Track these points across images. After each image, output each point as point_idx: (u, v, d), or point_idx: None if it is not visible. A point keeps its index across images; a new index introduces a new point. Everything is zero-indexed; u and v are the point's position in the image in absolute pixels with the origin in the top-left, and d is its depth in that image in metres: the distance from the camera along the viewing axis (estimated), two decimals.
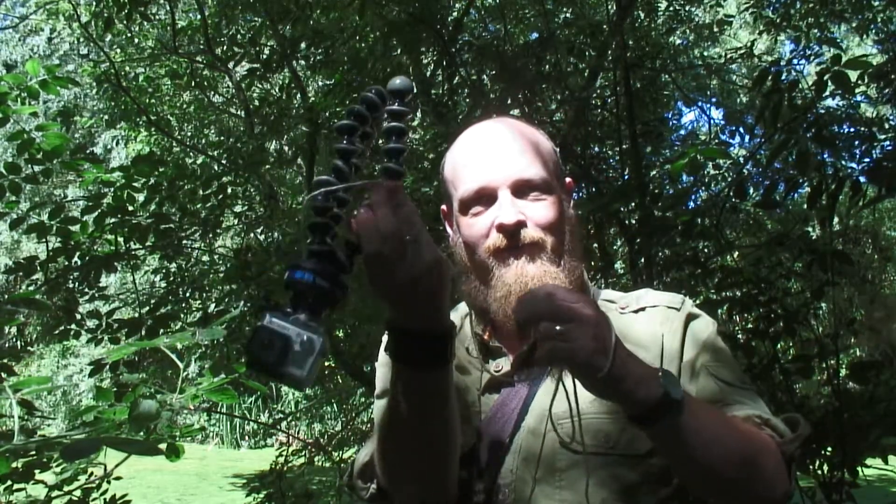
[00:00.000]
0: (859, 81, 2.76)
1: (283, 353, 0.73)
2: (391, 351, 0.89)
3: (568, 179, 1.20)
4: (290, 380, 0.74)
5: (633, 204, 3.63)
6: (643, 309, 1.15)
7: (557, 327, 0.83)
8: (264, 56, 5.32)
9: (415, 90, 0.88)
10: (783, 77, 2.87)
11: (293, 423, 11.30)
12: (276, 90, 6.02)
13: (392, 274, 0.81)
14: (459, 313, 1.23)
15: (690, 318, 1.14)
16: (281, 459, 5.21)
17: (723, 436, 0.93)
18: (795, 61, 5.46)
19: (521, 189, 1.10)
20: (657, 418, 0.88)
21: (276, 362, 0.73)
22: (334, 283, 0.78)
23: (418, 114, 5.49)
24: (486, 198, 1.10)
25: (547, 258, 1.09)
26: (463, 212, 1.13)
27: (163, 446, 1.60)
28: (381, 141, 0.89)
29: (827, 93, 2.78)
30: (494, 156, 1.11)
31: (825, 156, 2.90)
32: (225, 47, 5.87)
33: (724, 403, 1.05)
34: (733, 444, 0.94)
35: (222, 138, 6.89)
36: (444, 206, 1.22)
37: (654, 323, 1.12)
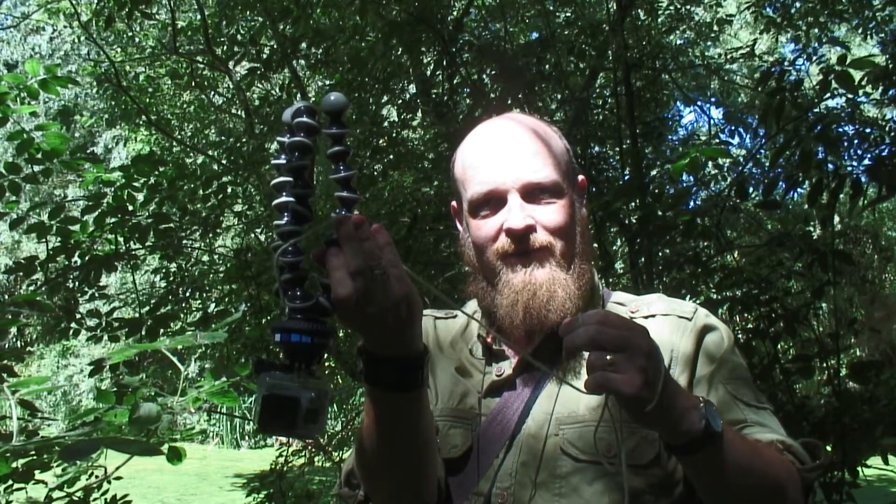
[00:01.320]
0: (863, 83, 2.75)
1: (295, 415, 0.74)
2: (363, 374, 0.89)
3: (580, 177, 1.18)
4: (308, 435, 0.76)
5: (633, 204, 3.63)
6: (653, 316, 1.13)
7: (609, 357, 0.82)
8: (264, 56, 5.32)
9: (349, 105, 0.83)
10: (786, 77, 2.87)
11: None
12: (276, 90, 6.02)
13: (362, 309, 0.80)
14: (468, 311, 1.22)
15: (706, 330, 1.12)
16: (281, 459, 5.21)
17: (754, 466, 0.92)
18: (798, 61, 5.47)
19: (532, 192, 1.08)
20: (697, 450, 0.87)
21: (292, 425, 0.74)
22: (326, 335, 0.79)
23: (418, 114, 5.49)
24: (495, 200, 1.09)
25: (556, 263, 1.08)
26: (472, 213, 1.12)
27: (164, 449, 1.59)
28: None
29: (830, 93, 2.78)
30: (505, 157, 1.09)
31: (826, 155, 2.90)
32: (225, 47, 5.87)
33: (744, 425, 1.04)
34: (763, 474, 0.93)
35: (222, 138, 6.89)
36: (454, 203, 1.21)
37: (664, 332, 1.10)
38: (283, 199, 0.80)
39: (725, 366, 1.09)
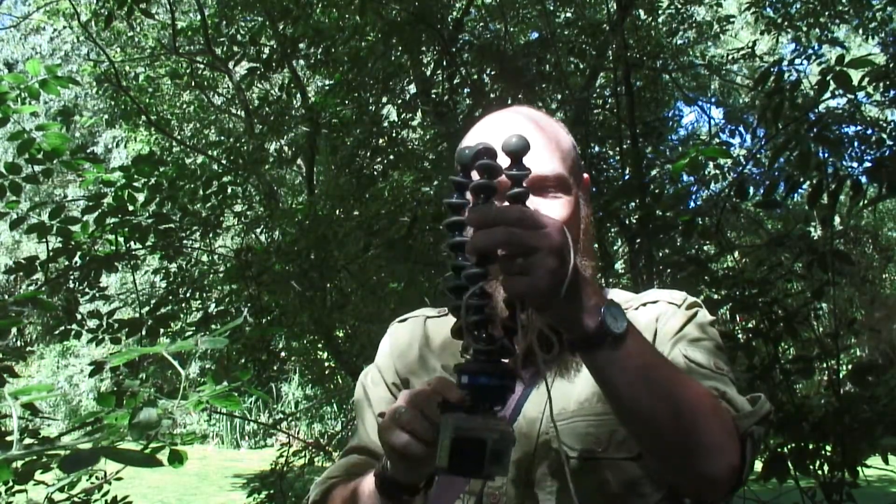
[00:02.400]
0: (863, 83, 2.75)
1: (482, 456, 0.76)
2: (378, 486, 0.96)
3: (585, 175, 1.18)
4: (492, 477, 0.78)
5: (633, 204, 3.63)
6: (644, 305, 1.15)
7: (519, 261, 0.81)
8: (264, 56, 5.32)
9: (530, 148, 0.84)
10: (785, 77, 2.87)
11: (293, 423, 11.29)
12: (276, 90, 6.02)
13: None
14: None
15: (692, 309, 1.13)
16: (281, 460, 5.21)
17: (664, 383, 0.89)
18: (797, 61, 5.46)
19: (538, 185, 1.06)
20: (590, 348, 0.87)
21: (479, 466, 0.76)
22: (512, 378, 0.81)
23: (418, 114, 5.49)
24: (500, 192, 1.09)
25: None
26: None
27: (166, 451, 1.60)
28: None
29: (829, 93, 2.78)
30: None
31: (825, 155, 2.90)
32: (225, 47, 5.87)
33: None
34: (675, 395, 0.90)
35: (222, 138, 6.89)
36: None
37: (651, 316, 1.12)
38: (463, 239, 0.82)
39: (691, 335, 1.09)
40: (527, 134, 1.09)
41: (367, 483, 1.00)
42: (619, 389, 0.89)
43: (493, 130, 1.13)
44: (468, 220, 0.82)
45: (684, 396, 0.90)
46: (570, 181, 1.10)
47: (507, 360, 0.82)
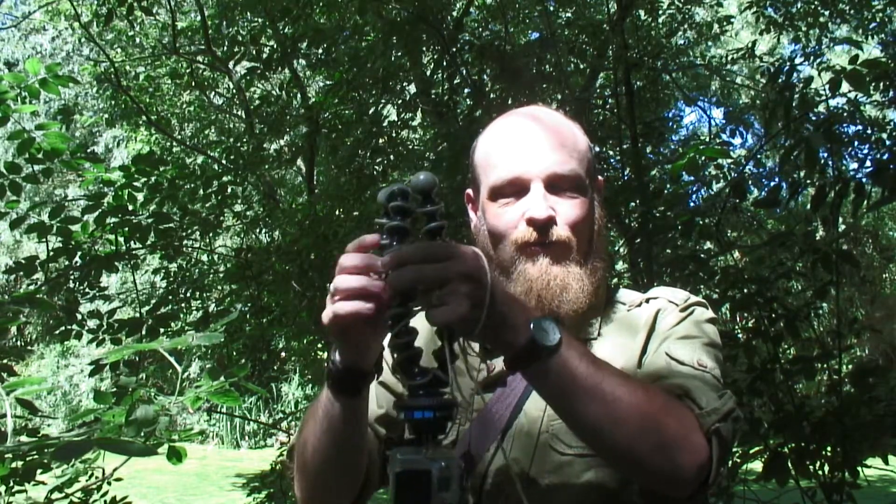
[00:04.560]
0: (869, 85, 2.75)
1: (428, 486, 0.79)
2: (336, 382, 0.96)
3: (600, 178, 1.18)
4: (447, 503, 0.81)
5: (633, 204, 3.63)
6: (647, 301, 1.16)
7: (436, 293, 0.82)
8: (264, 56, 5.32)
9: (437, 184, 0.87)
10: (796, 76, 2.86)
11: (293, 422, 11.29)
12: (276, 90, 6.02)
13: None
14: None
15: (690, 307, 1.13)
16: (281, 459, 5.21)
17: (612, 391, 0.90)
18: (802, 61, 5.46)
19: (555, 184, 1.07)
20: (523, 363, 0.88)
21: (427, 496, 0.79)
22: (449, 407, 0.84)
23: (418, 114, 5.49)
24: (517, 188, 1.08)
25: (572, 259, 1.08)
26: (492, 199, 1.11)
27: (165, 448, 1.59)
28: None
29: (829, 92, 2.78)
30: (531, 146, 1.09)
31: (826, 156, 2.90)
32: (225, 47, 5.88)
33: (664, 379, 1.02)
34: (617, 400, 0.90)
35: (222, 138, 6.89)
36: (468, 191, 1.21)
37: (651, 312, 1.13)
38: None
39: (680, 332, 1.10)
40: (548, 132, 1.10)
41: (323, 393, 1.01)
42: (559, 400, 0.91)
43: (514, 126, 1.14)
44: (382, 263, 0.84)
45: (628, 400, 0.91)
46: (585, 182, 1.11)
47: (444, 390, 0.84)
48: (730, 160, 4.52)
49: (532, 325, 0.87)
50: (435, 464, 0.79)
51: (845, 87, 2.70)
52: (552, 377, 0.88)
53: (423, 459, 0.80)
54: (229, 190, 4.75)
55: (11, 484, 2.35)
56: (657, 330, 1.11)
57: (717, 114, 11.00)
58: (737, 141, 7.08)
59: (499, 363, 1.12)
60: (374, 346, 0.92)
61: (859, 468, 2.77)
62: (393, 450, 0.82)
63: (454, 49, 4.89)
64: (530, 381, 0.92)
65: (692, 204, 3.75)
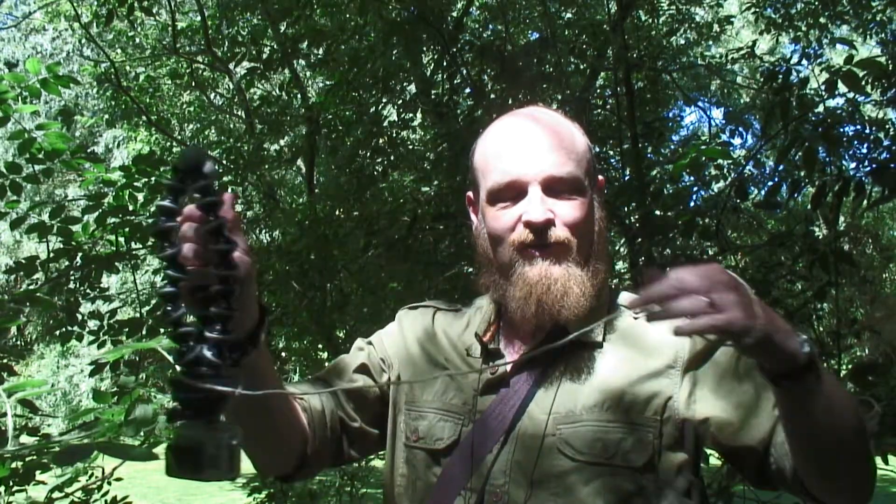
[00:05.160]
0: (866, 85, 2.75)
1: (200, 460, 0.79)
2: None
3: (600, 177, 1.18)
4: (216, 478, 0.80)
5: (633, 204, 3.63)
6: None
7: (706, 299, 0.82)
8: (264, 56, 5.32)
9: (205, 159, 0.81)
10: (794, 76, 2.86)
11: None
12: (276, 90, 6.02)
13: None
14: (473, 309, 1.22)
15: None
16: None
17: (844, 401, 0.91)
18: (801, 61, 5.46)
19: (553, 186, 1.07)
20: (802, 375, 0.86)
21: (198, 470, 0.79)
22: (209, 389, 0.80)
23: (418, 114, 5.49)
24: (515, 191, 1.08)
25: (572, 260, 1.07)
26: (490, 202, 1.11)
27: (162, 448, 1.59)
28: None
29: (836, 93, 2.77)
30: (528, 149, 1.08)
31: (825, 156, 2.90)
32: (225, 48, 5.88)
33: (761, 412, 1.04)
34: (853, 410, 0.92)
35: (222, 138, 6.89)
36: (469, 194, 1.21)
37: (670, 337, 1.10)
38: (174, 251, 0.81)
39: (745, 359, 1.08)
40: (546, 134, 1.10)
41: None
42: (821, 415, 0.90)
43: (512, 128, 1.13)
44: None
45: (852, 407, 0.93)
46: (584, 183, 1.10)
47: (209, 369, 0.80)
48: (730, 161, 4.52)
49: (804, 338, 0.87)
50: (208, 440, 0.79)
51: (845, 87, 2.70)
52: (819, 387, 0.88)
53: (197, 436, 0.79)
54: (229, 190, 4.75)
55: (11, 484, 2.36)
56: (685, 358, 1.08)
57: (717, 114, 11.00)
58: (737, 141, 7.07)
59: (501, 367, 1.13)
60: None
61: None
62: (175, 424, 0.80)
63: (454, 49, 4.89)
64: (795, 397, 0.89)
65: (692, 204, 3.75)
